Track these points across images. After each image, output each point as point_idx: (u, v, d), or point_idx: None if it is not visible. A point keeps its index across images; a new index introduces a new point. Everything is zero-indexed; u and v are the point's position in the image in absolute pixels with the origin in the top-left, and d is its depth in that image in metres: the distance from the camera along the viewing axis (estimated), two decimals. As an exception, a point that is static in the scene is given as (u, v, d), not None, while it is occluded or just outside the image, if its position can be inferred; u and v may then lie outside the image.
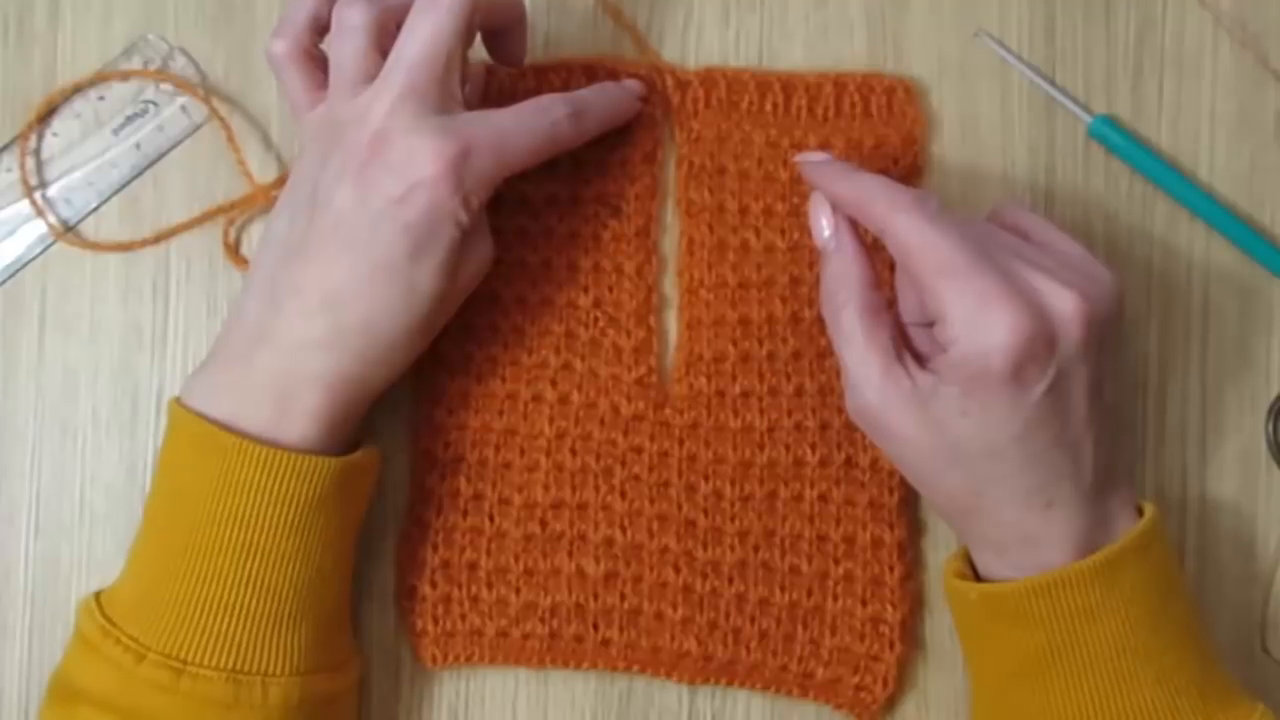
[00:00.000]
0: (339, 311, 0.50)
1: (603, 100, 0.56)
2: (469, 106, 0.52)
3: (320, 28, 0.53)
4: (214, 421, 0.50)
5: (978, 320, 0.47)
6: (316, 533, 0.51)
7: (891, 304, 0.53)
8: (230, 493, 0.49)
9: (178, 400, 0.52)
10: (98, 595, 0.52)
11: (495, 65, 0.58)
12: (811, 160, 0.53)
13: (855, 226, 0.52)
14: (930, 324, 0.50)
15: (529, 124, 0.52)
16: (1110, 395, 0.51)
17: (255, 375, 0.50)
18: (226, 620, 0.50)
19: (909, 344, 0.51)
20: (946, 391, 0.48)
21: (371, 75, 0.51)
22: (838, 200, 0.52)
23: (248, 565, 0.50)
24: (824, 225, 0.52)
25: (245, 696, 0.50)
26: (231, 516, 0.49)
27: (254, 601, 0.50)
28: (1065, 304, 0.48)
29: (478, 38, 0.54)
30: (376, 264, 0.49)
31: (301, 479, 0.50)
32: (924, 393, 0.49)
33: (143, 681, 0.49)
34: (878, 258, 0.53)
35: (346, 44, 0.52)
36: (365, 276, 0.50)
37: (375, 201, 0.49)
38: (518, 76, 0.58)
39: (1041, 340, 0.47)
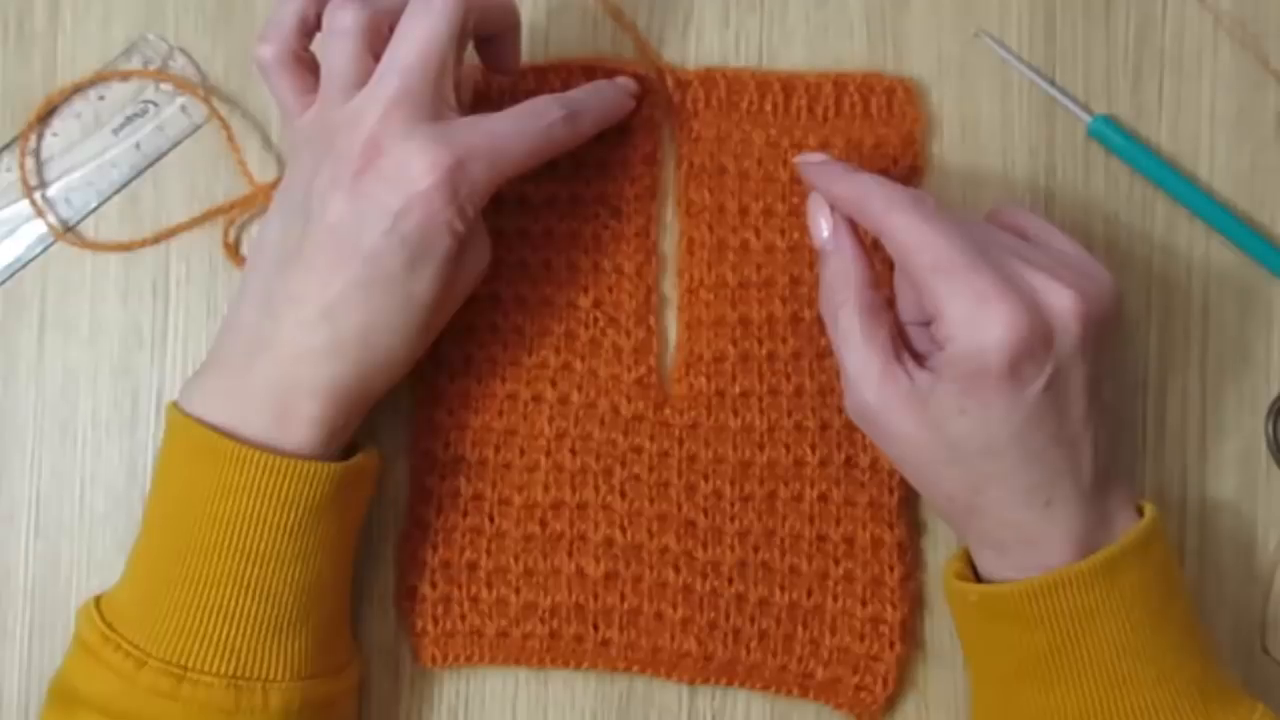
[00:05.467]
0: (337, 322, 0.50)
1: (597, 100, 0.55)
2: (463, 110, 0.52)
3: (308, 30, 0.53)
4: (212, 427, 0.50)
5: (975, 318, 0.47)
6: (316, 537, 0.51)
7: (890, 303, 0.53)
8: (229, 498, 0.49)
9: (175, 406, 0.52)
10: (97, 600, 0.52)
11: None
12: (809, 161, 0.53)
13: (854, 226, 0.52)
14: (928, 323, 0.50)
15: (524, 128, 0.52)
16: (1108, 394, 0.51)
17: (254, 383, 0.50)
18: (227, 626, 0.50)
19: (908, 343, 0.51)
20: (944, 389, 0.48)
21: (363, 79, 0.51)
22: (836, 200, 0.52)
23: (247, 571, 0.50)
24: (823, 225, 0.52)
25: (246, 702, 0.50)
26: (231, 522, 0.49)
27: (254, 607, 0.50)
28: (1062, 302, 0.48)
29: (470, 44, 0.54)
30: (374, 275, 0.49)
31: (301, 484, 0.50)
32: (922, 391, 0.49)
33: (144, 688, 0.49)
34: (877, 257, 0.53)
35: (338, 47, 0.51)
36: (363, 287, 0.49)
37: (371, 213, 0.49)
38: (517, 76, 0.58)
39: (1038, 338, 0.47)
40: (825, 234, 0.52)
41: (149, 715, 0.49)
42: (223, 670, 0.49)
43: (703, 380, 0.57)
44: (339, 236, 0.49)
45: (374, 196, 0.49)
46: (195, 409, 0.51)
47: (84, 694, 0.50)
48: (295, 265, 0.50)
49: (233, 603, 0.50)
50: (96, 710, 0.50)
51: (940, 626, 0.57)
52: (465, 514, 0.57)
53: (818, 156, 0.54)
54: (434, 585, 0.57)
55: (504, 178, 0.51)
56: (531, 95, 0.57)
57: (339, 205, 0.49)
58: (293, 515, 0.50)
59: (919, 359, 0.50)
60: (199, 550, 0.50)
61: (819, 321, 0.53)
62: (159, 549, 0.51)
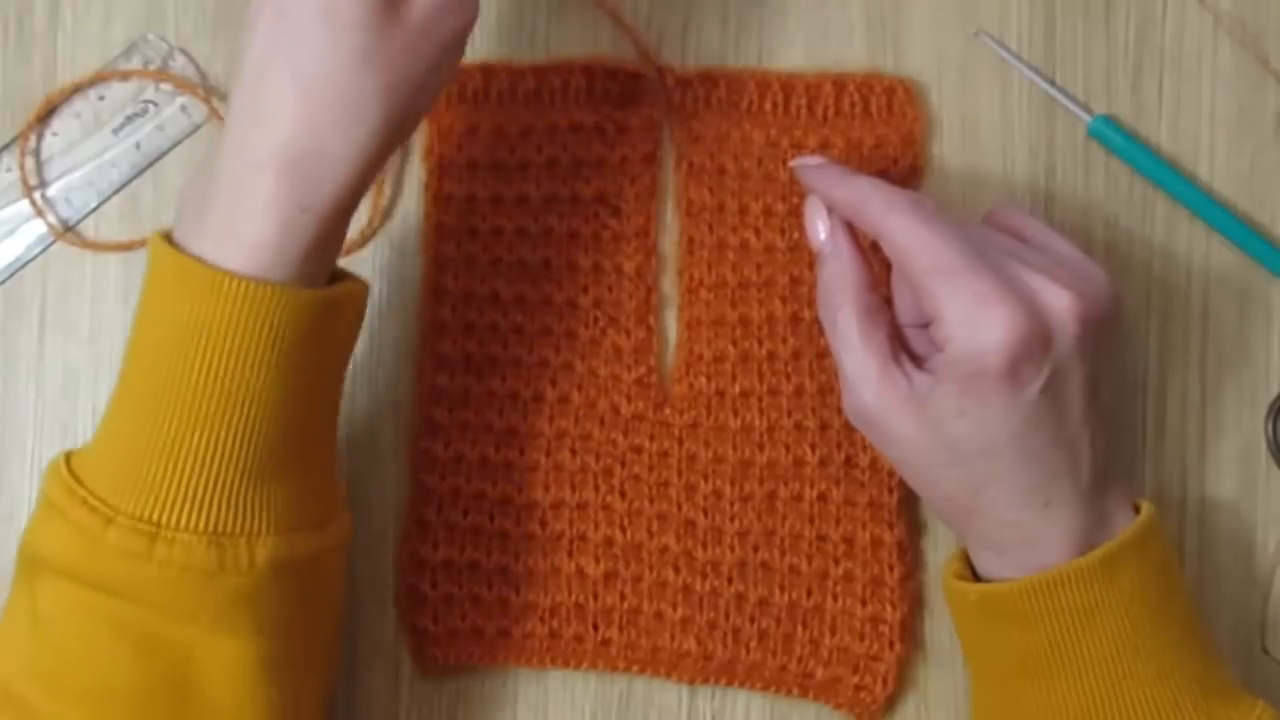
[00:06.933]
0: (266, 69, 0.45)
1: None
2: None
3: None
4: (186, 245, 0.46)
5: (973, 319, 0.47)
6: (299, 374, 0.46)
7: (888, 305, 0.53)
8: (204, 331, 0.45)
9: (156, 234, 0.47)
10: (68, 455, 0.48)
11: (495, 65, 0.58)
12: (806, 164, 0.53)
13: (851, 229, 0.52)
14: (926, 325, 0.50)
15: None
16: (1106, 395, 0.51)
17: (214, 171, 0.46)
18: (203, 475, 0.45)
19: (906, 345, 0.51)
20: (943, 391, 0.48)
21: None
22: (833, 203, 0.52)
23: (225, 413, 0.45)
24: (820, 228, 0.52)
25: (231, 560, 0.45)
26: (205, 357, 0.45)
27: (234, 452, 0.45)
28: (1060, 303, 0.48)
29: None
30: None
31: (280, 313, 0.45)
32: (921, 393, 0.49)
33: (112, 548, 0.45)
34: (874, 259, 0.53)
35: None
36: (280, 15, 0.45)
37: None
38: (517, 76, 0.58)
39: (1037, 339, 0.47)
40: (822, 236, 0.52)
41: (119, 579, 0.45)
42: (200, 526, 0.45)
43: (703, 380, 0.57)
44: None
45: None
46: (176, 220, 0.47)
47: (49, 558, 0.46)
48: (242, 38, 0.47)
49: (210, 449, 0.45)
50: (61, 575, 0.46)
51: (940, 626, 0.57)
52: (465, 514, 0.57)
53: (814, 160, 0.54)
54: (434, 585, 0.57)
55: None
56: (531, 96, 0.57)
57: None
58: (275, 348, 0.45)
59: (917, 361, 0.50)
60: (172, 391, 0.45)
61: (819, 321, 0.53)
62: (130, 394, 0.47)
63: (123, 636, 0.46)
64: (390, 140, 0.47)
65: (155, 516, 0.45)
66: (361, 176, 0.46)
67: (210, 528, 0.45)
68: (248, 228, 0.45)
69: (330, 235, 0.47)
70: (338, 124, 0.45)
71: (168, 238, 0.47)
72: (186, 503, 0.45)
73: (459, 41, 0.48)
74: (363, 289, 0.49)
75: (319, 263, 0.47)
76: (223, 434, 0.45)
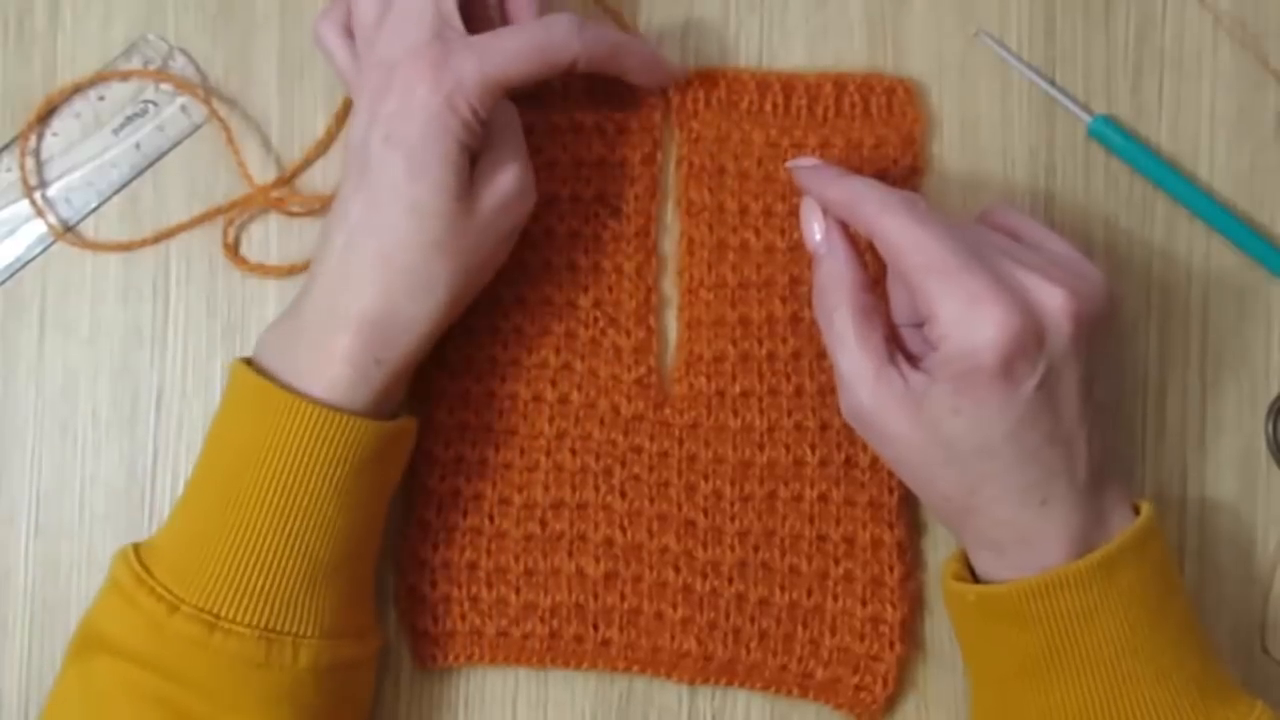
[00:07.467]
0: (356, 245, 0.51)
1: (619, 35, 0.55)
2: None
3: None
4: (267, 376, 0.51)
5: (967, 318, 0.47)
6: (357, 494, 0.51)
7: (884, 306, 0.53)
8: (277, 446, 0.50)
9: (240, 359, 0.52)
10: (136, 545, 0.52)
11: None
12: (802, 165, 0.54)
13: (847, 229, 0.52)
14: (921, 324, 0.50)
15: (522, 27, 0.53)
16: (1101, 393, 0.51)
17: (300, 321, 0.51)
18: (263, 577, 0.50)
19: (901, 345, 0.51)
20: (938, 390, 0.48)
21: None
22: (829, 204, 0.52)
23: (288, 522, 0.50)
24: (815, 229, 0.52)
25: (276, 657, 0.50)
26: (276, 471, 0.50)
27: (291, 560, 0.50)
28: (1054, 300, 0.48)
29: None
30: (378, 188, 0.50)
31: (347, 440, 0.50)
32: (916, 392, 0.49)
33: (174, 635, 0.49)
34: (870, 260, 0.53)
35: None
36: (371, 204, 0.50)
37: (375, 126, 0.50)
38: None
39: (1030, 336, 0.48)
40: (818, 237, 0.52)
41: (176, 664, 0.49)
42: (255, 621, 0.49)
43: (703, 380, 0.57)
44: (353, 159, 0.51)
45: (379, 108, 0.50)
46: (259, 357, 0.52)
47: (110, 638, 0.50)
48: (333, 206, 0.52)
49: (271, 553, 0.50)
50: (122, 656, 0.49)
51: (940, 626, 0.57)
52: (465, 514, 0.57)
53: (810, 161, 0.54)
54: (434, 585, 0.57)
55: (501, 73, 0.51)
56: (531, 97, 0.57)
57: (356, 129, 0.51)
58: (339, 469, 0.50)
59: (913, 360, 0.50)
60: (242, 498, 0.50)
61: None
62: (202, 497, 0.52)
63: (170, 716, 0.49)
64: (453, 309, 0.52)
65: (216, 608, 0.49)
66: (428, 338, 0.52)
67: (263, 624, 0.49)
68: (327, 369, 0.50)
69: (396, 382, 0.52)
70: (412, 295, 0.51)
71: (248, 362, 0.52)
72: (245, 599, 0.49)
73: (515, 232, 0.54)
74: (414, 426, 0.54)
75: (384, 403, 0.52)
76: (283, 540, 0.50)
